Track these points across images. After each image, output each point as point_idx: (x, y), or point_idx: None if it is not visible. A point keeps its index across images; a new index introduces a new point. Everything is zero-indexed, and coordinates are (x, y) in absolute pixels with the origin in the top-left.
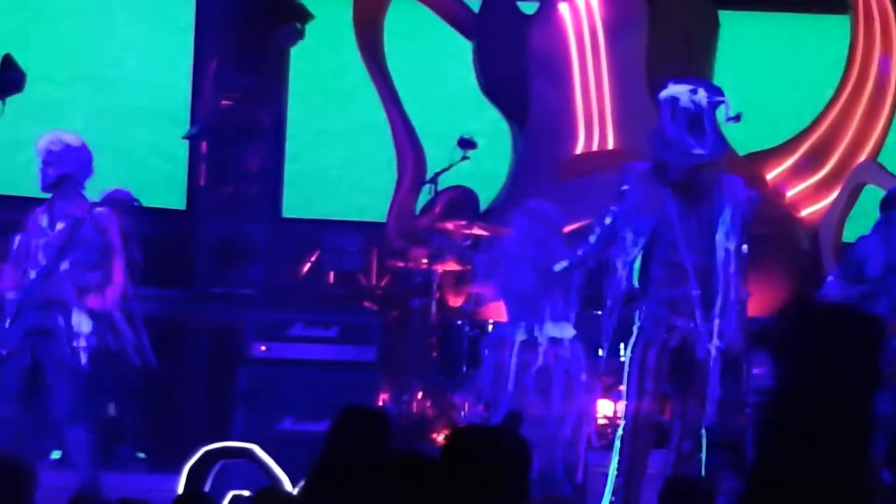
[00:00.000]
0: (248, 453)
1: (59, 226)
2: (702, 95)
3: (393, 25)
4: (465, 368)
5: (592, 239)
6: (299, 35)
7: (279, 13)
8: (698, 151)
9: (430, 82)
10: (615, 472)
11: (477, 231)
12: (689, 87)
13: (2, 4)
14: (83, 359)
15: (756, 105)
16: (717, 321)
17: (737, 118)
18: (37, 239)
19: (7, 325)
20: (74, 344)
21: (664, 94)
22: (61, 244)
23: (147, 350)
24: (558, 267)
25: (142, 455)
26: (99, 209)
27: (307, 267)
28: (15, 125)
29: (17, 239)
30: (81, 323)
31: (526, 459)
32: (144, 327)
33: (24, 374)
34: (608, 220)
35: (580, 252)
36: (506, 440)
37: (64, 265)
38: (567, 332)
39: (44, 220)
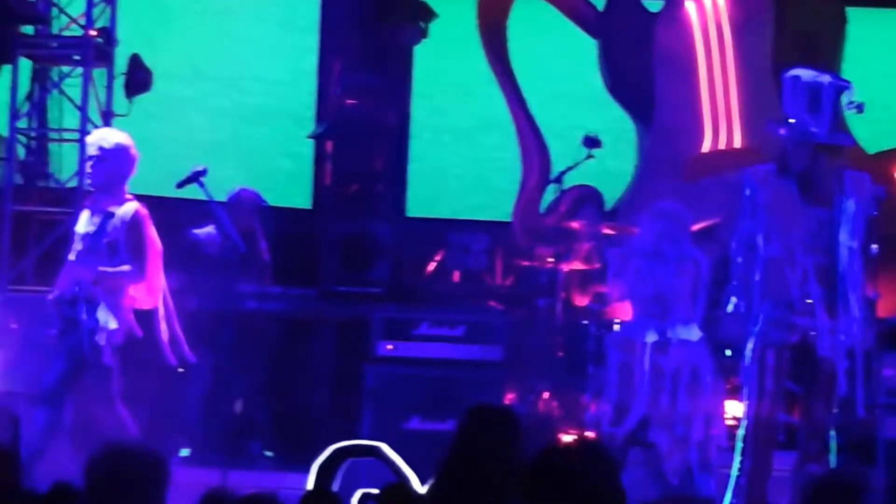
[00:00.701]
0: (377, 451)
1: (96, 220)
2: (825, 77)
3: (517, 24)
4: (591, 368)
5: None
6: (423, 34)
7: (403, 12)
8: (814, 129)
9: (555, 80)
10: (737, 473)
11: (604, 230)
12: (815, 71)
13: (128, 5)
14: (104, 354)
15: (883, 104)
16: (840, 320)
17: (859, 107)
18: (77, 233)
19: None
20: (95, 338)
21: (788, 74)
22: (94, 239)
23: (182, 346)
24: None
25: (269, 453)
26: (133, 205)
27: (432, 266)
28: (141, 124)
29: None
30: (109, 320)
31: (612, 475)
32: (230, 324)
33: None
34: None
35: (735, 283)
36: (593, 458)
37: (95, 259)
38: (694, 333)
39: (83, 215)
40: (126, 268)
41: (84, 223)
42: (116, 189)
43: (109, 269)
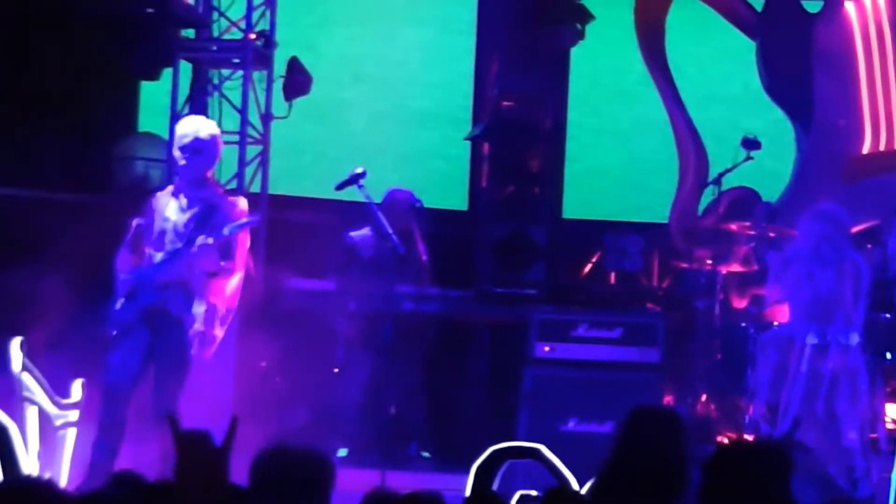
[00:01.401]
0: (536, 453)
1: (193, 210)
2: None
3: (674, 25)
4: (749, 371)
5: None
6: (580, 35)
7: (560, 14)
8: None
9: (713, 81)
10: None
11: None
12: None
13: (287, 9)
14: (193, 348)
15: None
16: None
17: None
18: (162, 223)
19: (119, 305)
20: (190, 331)
21: None
22: (193, 228)
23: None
24: None
25: (426, 454)
26: (234, 198)
27: (588, 267)
28: (300, 126)
29: (135, 223)
30: (199, 312)
31: (785, 475)
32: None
33: (143, 352)
34: None
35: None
36: (769, 456)
37: (193, 249)
38: (853, 337)
39: (171, 205)
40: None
41: (175, 213)
42: (207, 180)
43: (223, 263)
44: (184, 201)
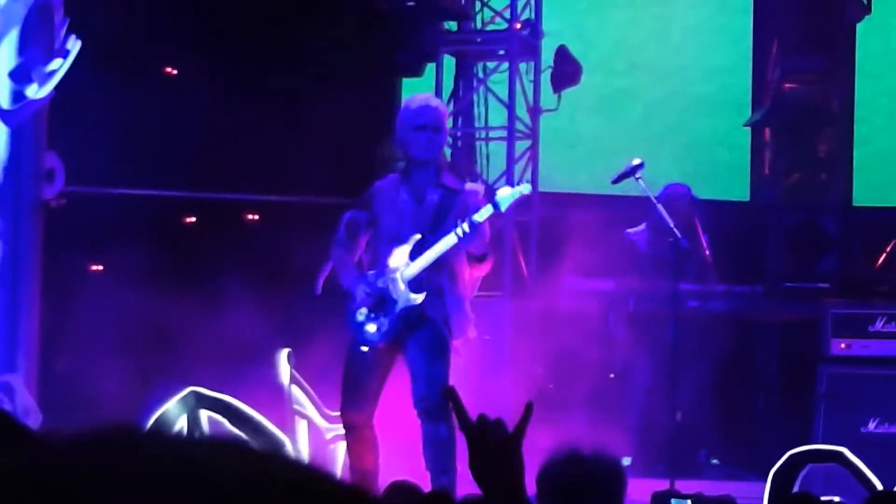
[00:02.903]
0: (839, 457)
1: (432, 197)
2: None
3: None
4: None
5: None
6: (866, 10)
7: None
8: None
9: None
10: None
11: None
12: None
13: None
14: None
15: None
16: None
17: None
18: (396, 214)
19: (366, 316)
20: (445, 332)
21: None
22: (434, 217)
23: None
24: None
25: (715, 460)
26: (472, 186)
27: (883, 257)
28: (571, 119)
29: (349, 216)
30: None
31: None
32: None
33: (388, 365)
34: None
35: None
36: None
37: (460, 231)
38: None
39: (400, 194)
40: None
41: (411, 202)
42: (442, 162)
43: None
44: (419, 188)
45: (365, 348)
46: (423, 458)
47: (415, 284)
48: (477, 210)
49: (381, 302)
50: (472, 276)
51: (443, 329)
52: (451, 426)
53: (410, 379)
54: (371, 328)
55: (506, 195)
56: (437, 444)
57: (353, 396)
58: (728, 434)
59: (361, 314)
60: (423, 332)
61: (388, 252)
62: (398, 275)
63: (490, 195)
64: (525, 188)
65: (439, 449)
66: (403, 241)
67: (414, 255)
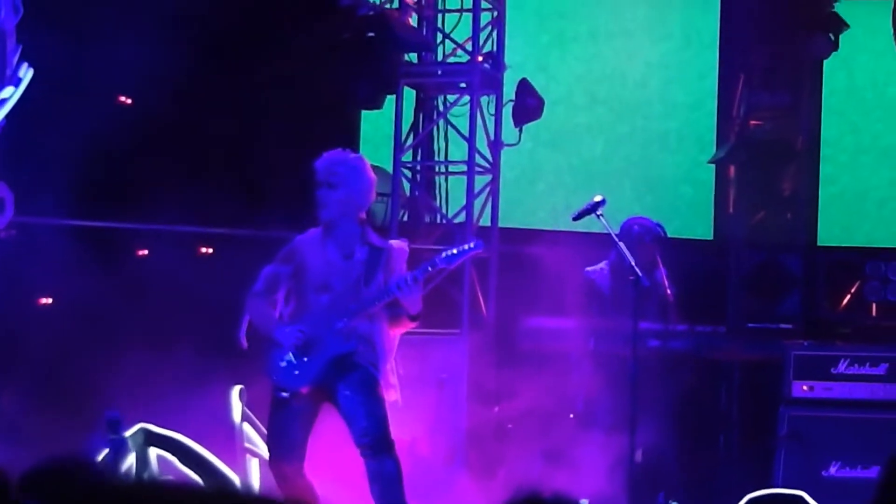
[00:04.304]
0: (798, 501)
1: (358, 254)
2: None
3: None
4: None
5: None
6: (833, 46)
7: (809, 23)
8: None
9: None
10: None
11: None
12: None
13: (517, 29)
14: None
15: None
16: None
17: None
18: (317, 268)
19: (288, 362)
20: (375, 372)
21: None
22: (364, 272)
23: None
24: None
25: (674, 503)
26: (395, 242)
27: (848, 298)
28: (532, 153)
29: (270, 270)
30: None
31: None
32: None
33: (312, 419)
34: None
35: None
36: None
37: (397, 287)
38: None
39: (326, 247)
40: None
41: (335, 255)
42: (357, 217)
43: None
44: (345, 244)
45: (286, 394)
46: (371, 495)
47: (345, 334)
48: (403, 266)
49: (309, 348)
50: (392, 335)
51: (372, 371)
52: (395, 459)
53: (346, 421)
54: (296, 374)
55: (452, 253)
56: (383, 478)
57: (281, 447)
58: (688, 475)
59: (286, 361)
60: (353, 375)
61: (317, 302)
62: (328, 324)
63: (438, 255)
64: (473, 244)
65: (386, 483)
66: (333, 292)
67: (345, 307)
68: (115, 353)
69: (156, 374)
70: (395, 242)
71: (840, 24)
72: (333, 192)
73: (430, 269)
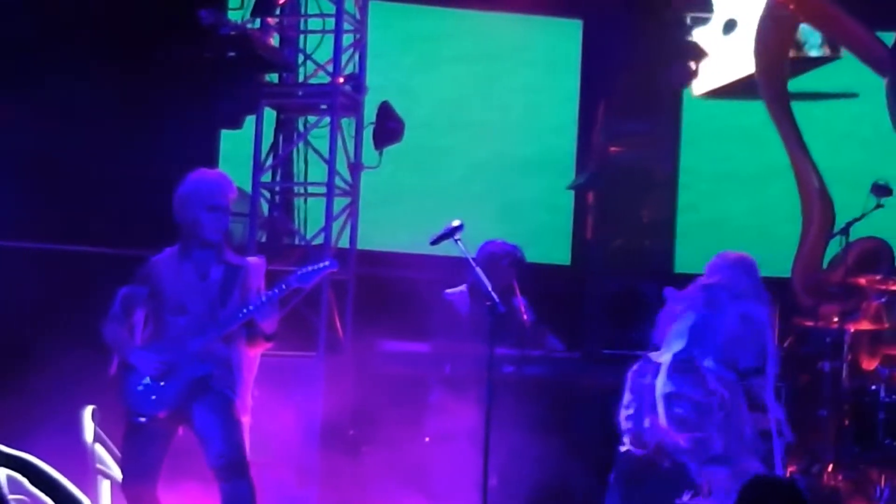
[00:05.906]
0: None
1: (214, 274)
2: None
3: None
4: (882, 438)
5: None
6: (693, 74)
7: (670, 52)
8: None
9: (839, 123)
10: None
11: (894, 287)
12: None
13: (379, 51)
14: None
15: None
16: None
17: None
18: (174, 289)
19: (146, 386)
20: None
21: None
22: (220, 292)
23: None
24: None
25: None
26: (253, 259)
27: None
28: (392, 176)
29: (125, 292)
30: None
31: None
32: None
33: (167, 445)
34: None
35: None
36: None
37: (252, 307)
38: None
39: (182, 267)
40: None
41: (192, 276)
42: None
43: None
44: (201, 264)
45: (143, 418)
46: None
47: (202, 356)
48: (261, 282)
49: (166, 372)
50: (251, 356)
51: (228, 394)
52: (250, 482)
53: (202, 443)
54: (153, 398)
55: (306, 272)
56: (237, 501)
57: (136, 470)
58: (545, 502)
59: (143, 385)
60: (209, 398)
61: (174, 324)
62: (185, 346)
63: (293, 274)
64: (327, 263)
65: None
66: (190, 314)
67: (202, 329)
68: None
69: (5, 392)
70: (252, 259)
71: (700, 53)
72: (227, 217)
73: (284, 287)
